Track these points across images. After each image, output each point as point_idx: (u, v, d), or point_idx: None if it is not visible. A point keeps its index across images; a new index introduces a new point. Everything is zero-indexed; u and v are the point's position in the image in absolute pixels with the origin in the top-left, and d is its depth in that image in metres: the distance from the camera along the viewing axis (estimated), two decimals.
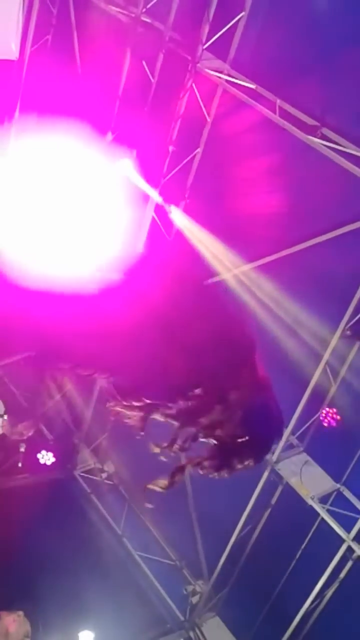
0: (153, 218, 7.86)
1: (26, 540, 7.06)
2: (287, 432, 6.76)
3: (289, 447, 6.96)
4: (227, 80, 6.86)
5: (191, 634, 7.87)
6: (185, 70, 7.13)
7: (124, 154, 7.70)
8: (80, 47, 8.46)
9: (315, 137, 6.16)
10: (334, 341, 6.31)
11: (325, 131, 6.21)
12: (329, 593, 6.74)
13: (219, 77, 6.91)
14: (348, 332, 6.28)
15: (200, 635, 7.81)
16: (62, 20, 8.62)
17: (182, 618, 8.05)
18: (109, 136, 7.91)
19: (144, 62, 7.51)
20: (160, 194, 7.64)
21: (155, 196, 7.66)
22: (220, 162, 7.42)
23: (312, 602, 6.75)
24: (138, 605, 7.84)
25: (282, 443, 6.78)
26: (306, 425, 6.87)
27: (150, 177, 7.67)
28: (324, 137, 6.18)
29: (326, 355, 6.39)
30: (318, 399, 6.73)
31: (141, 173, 7.67)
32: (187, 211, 7.78)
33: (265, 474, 6.94)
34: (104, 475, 9.41)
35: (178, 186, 7.69)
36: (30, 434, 7.13)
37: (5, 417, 6.85)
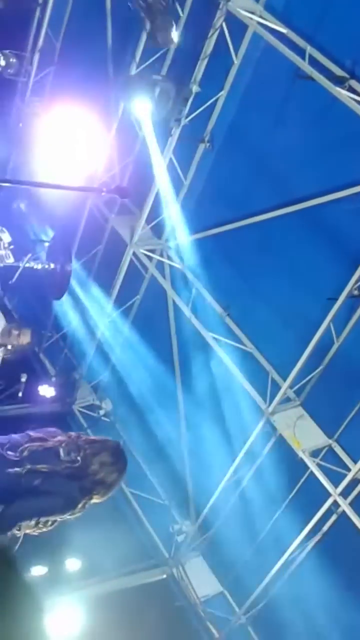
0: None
1: None
2: (285, 385, 6.82)
3: (286, 400, 7.01)
4: (258, 22, 6.66)
5: (174, 570, 8.11)
6: (216, 9, 6.93)
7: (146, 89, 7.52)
8: None
9: (343, 89, 6.01)
10: (341, 299, 6.28)
11: (354, 84, 6.07)
12: (311, 545, 6.90)
13: (251, 18, 6.70)
14: (356, 292, 6.26)
15: (183, 573, 8.05)
16: None
17: (166, 555, 8.29)
18: (133, 70, 7.74)
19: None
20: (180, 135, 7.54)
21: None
22: (245, 106, 7.28)
23: (293, 551, 6.92)
24: (125, 539, 8.05)
25: (279, 395, 6.85)
26: (305, 380, 6.91)
27: (169, 117, 7.53)
28: (351, 90, 6.04)
29: (332, 313, 6.37)
30: (320, 355, 6.75)
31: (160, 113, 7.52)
32: (206, 153, 7.70)
33: (260, 424, 7.02)
34: (102, 412, 9.58)
35: (199, 127, 7.57)
36: (28, 342, 7.14)
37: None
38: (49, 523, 4.06)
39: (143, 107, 7.19)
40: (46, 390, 8.03)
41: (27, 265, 6.88)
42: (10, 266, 7.00)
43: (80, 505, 4.06)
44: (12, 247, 6.98)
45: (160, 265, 8.44)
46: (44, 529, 4.05)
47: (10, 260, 6.93)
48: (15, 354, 7.47)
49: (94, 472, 3.99)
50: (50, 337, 10.07)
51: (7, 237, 7.08)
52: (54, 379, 9.08)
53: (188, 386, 8.40)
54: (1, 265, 6.54)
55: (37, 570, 6.99)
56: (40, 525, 4.02)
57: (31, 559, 6.90)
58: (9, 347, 7.13)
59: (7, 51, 8.58)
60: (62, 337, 10.03)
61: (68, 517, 4.07)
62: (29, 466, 3.90)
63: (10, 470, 3.87)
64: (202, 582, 8.12)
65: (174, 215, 8.14)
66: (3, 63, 8.42)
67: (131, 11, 7.67)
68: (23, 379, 7.00)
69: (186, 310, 7.88)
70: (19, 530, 4.00)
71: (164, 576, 8.12)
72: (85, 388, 9.70)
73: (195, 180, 7.99)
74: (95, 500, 4.17)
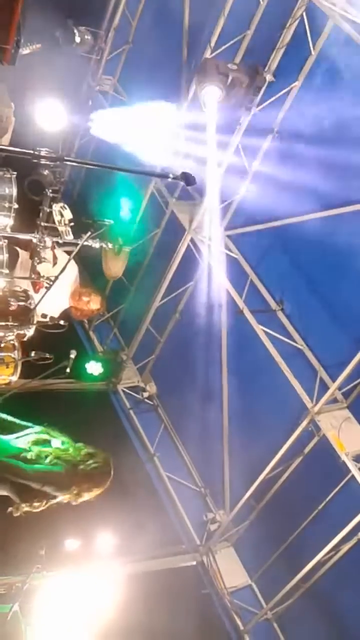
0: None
1: None
2: (334, 386, 6.73)
3: (333, 401, 6.92)
4: (340, 14, 6.50)
5: (204, 558, 8.14)
6: None
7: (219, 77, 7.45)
8: None
9: None
10: None
11: None
12: (345, 548, 6.82)
13: (332, 10, 6.55)
14: None
15: (213, 562, 8.07)
16: None
17: (198, 542, 8.32)
18: (208, 54, 7.66)
19: None
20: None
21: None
22: (316, 100, 7.14)
23: (326, 553, 6.85)
24: (159, 522, 8.11)
25: (327, 395, 6.76)
26: (354, 382, 6.81)
27: (241, 105, 7.45)
28: None
29: None
30: None
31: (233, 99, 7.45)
32: (273, 143, 7.60)
33: (304, 423, 6.95)
34: (145, 394, 9.64)
35: (269, 118, 7.47)
36: (98, 309, 7.21)
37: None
38: (44, 502, 4.31)
39: (213, 93, 7.12)
40: (93, 368, 8.10)
41: (85, 243, 6.88)
42: (69, 243, 7.01)
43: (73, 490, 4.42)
44: (72, 224, 6.99)
45: (215, 254, 8.39)
46: (38, 509, 4.31)
47: (70, 237, 6.94)
48: (63, 328, 7.52)
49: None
50: (102, 316, 10.15)
51: (68, 214, 7.08)
52: (101, 357, 9.16)
53: (233, 377, 8.37)
54: (61, 241, 6.56)
55: (71, 544, 7.09)
56: (35, 504, 4.29)
57: (65, 532, 7.03)
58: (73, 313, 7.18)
59: (83, 28, 8.59)
60: (113, 316, 10.11)
61: (60, 498, 4.33)
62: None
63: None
64: (231, 573, 8.13)
65: (235, 204, 8.08)
66: (78, 40, 8.43)
67: None
68: (72, 355, 7.01)
69: (239, 301, 7.83)
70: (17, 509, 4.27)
71: (194, 563, 8.16)
72: (131, 369, 9.77)
73: (260, 170, 7.90)
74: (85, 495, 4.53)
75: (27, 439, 4.60)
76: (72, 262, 6.75)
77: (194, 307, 8.92)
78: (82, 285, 7.05)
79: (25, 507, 4.46)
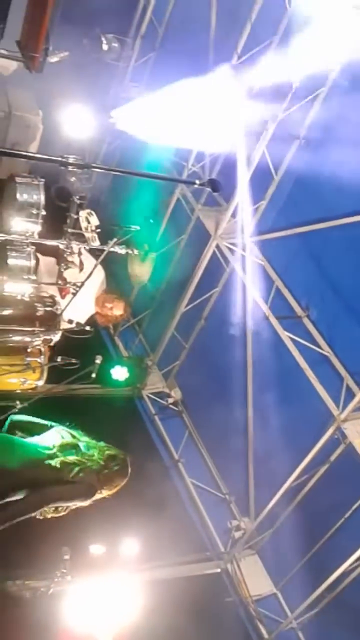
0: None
1: None
2: None
3: None
4: None
5: (229, 566, 8.10)
6: None
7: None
8: None
9: None
10: None
11: None
12: None
13: None
14: None
15: (237, 569, 8.02)
16: None
17: (222, 549, 8.27)
18: (234, 61, 7.69)
19: None
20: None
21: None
22: (345, 105, 7.10)
23: (353, 563, 6.77)
24: (182, 528, 8.09)
25: (353, 403, 6.69)
26: None
27: (267, 110, 7.46)
28: None
29: None
30: None
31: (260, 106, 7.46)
32: (298, 153, 7.57)
33: (330, 430, 6.88)
34: (170, 400, 9.64)
35: (295, 124, 7.46)
36: (121, 314, 7.27)
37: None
38: (66, 508, 4.38)
39: (239, 99, 7.14)
40: (119, 373, 8.12)
41: (111, 249, 6.92)
42: (95, 249, 7.06)
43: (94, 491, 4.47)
44: (99, 230, 7.04)
45: (242, 260, 8.38)
46: (61, 514, 4.37)
47: (96, 243, 6.99)
48: (89, 334, 7.57)
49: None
50: (127, 322, 10.19)
51: (94, 221, 7.13)
52: (127, 363, 9.18)
53: (258, 383, 8.33)
54: (87, 247, 6.61)
55: (95, 549, 7.10)
56: (59, 510, 4.35)
57: (90, 537, 7.04)
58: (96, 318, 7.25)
59: (110, 35, 8.66)
60: (138, 322, 10.14)
61: (81, 504, 4.40)
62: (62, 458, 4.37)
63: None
64: (256, 581, 8.08)
65: (260, 210, 8.06)
66: (105, 47, 8.50)
67: (237, 1, 7.62)
68: (97, 360, 7.05)
69: (264, 307, 7.81)
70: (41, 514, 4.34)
71: (218, 570, 8.12)
72: (156, 375, 9.79)
73: (286, 176, 7.88)
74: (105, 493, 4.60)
75: (53, 440, 4.62)
76: (99, 267, 6.79)
77: (219, 313, 8.91)
78: (107, 291, 7.09)
79: (49, 514, 4.51)
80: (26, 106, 8.09)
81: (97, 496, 4.58)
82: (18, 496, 4.36)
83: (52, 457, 4.49)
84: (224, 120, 7.56)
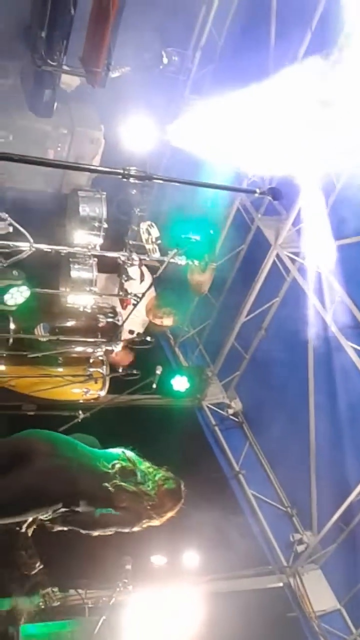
0: None
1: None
2: None
3: None
4: None
5: (291, 580, 7.97)
6: None
7: None
8: None
9: None
10: None
11: None
12: None
13: None
14: None
15: (300, 584, 7.88)
16: None
17: (284, 563, 8.15)
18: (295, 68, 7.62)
19: None
20: None
21: None
22: None
23: None
24: (244, 541, 8.01)
25: None
26: None
27: None
28: None
29: None
30: None
31: None
32: None
33: None
34: (231, 411, 9.59)
35: None
36: (170, 325, 7.37)
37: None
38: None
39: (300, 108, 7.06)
40: (179, 384, 8.14)
41: (172, 260, 6.97)
42: (156, 261, 7.13)
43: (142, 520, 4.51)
44: (159, 242, 7.11)
45: (302, 269, 8.29)
46: (107, 533, 4.52)
47: (157, 254, 7.06)
48: (150, 344, 7.65)
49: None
50: (187, 332, 10.22)
51: (155, 232, 7.21)
52: (187, 373, 9.21)
53: (320, 394, 8.20)
54: (148, 259, 6.68)
55: (156, 560, 7.12)
56: (105, 532, 4.37)
57: (151, 547, 7.06)
58: (148, 337, 7.32)
59: (170, 49, 8.74)
60: (198, 333, 10.15)
61: (128, 530, 4.43)
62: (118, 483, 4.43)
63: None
64: (319, 596, 7.92)
65: (322, 219, 7.94)
66: (166, 61, 8.59)
67: (297, 10, 7.58)
68: (158, 371, 7.11)
69: (327, 317, 7.69)
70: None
71: (280, 584, 7.99)
72: (216, 386, 9.76)
73: (347, 185, 7.75)
74: (153, 523, 4.58)
75: (114, 459, 4.65)
76: (149, 277, 6.87)
77: (280, 323, 8.83)
78: (158, 303, 7.16)
79: (95, 533, 4.57)
80: (89, 121, 8.25)
81: (145, 524, 4.60)
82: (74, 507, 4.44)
83: (109, 478, 4.53)
84: (286, 130, 7.50)
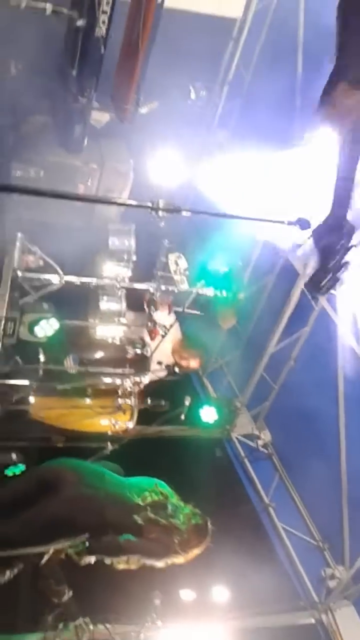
0: None
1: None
2: None
3: None
4: None
5: (323, 617, 7.78)
6: None
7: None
8: (307, 7, 8.27)
9: None
10: None
11: None
12: None
13: None
14: None
15: (332, 621, 7.69)
16: None
17: (316, 599, 7.97)
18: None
19: None
20: None
21: None
22: None
23: None
24: (274, 575, 7.86)
25: None
26: None
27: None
28: None
29: None
30: None
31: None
32: None
33: None
34: (260, 442, 9.51)
35: None
36: (196, 367, 7.35)
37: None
38: (138, 561, 4.41)
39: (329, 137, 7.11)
40: (208, 415, 8.11)
41: (200, 291, 7.02)
42: (184, 292, 7.18)
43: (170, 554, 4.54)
44: (187, 273, 7.17)
45: (331, 298, 8.24)
46: (132, 567, 4.40)
47: (185, 285, 7.11)
48: (178, 376, 7.67)
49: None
50: (215, 363, 10.20)
51: (183, 263, 7.28)
52: (214, 404, 9.19)
53: (352, 425, 8.09)
54: (176, 290, 6.73)
55: (185, 594, 7.03)
56: (129, 562, 4.39)
57: (180, 582, 6.98)
58: (175, 368, 7.34)
59: (198, 84, 8.89)
60: (227, 363, 10.12)
61: (154, 564, 4.42)
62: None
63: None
64: (352, 633, 7.71)
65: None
66: (193, 96, 8.74)
67: (324, 42, 7.65)
68: (187, 402, 7.12)
69: (357, 347, 7.61)
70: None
71: (312, 621, 7.81)
72: (245, 416, 9.69)
73: None
74: (178, 560, 4.61)
75: (143, 494, 4.64)
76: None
77: (309, 353, 8.76)
78: (184, 343, 7.19)
79: (120, 564, 4.55)
80: (118, 156, 8.40)
81: (170, 561, 4.57)
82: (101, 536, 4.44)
83: (139, 510, 4.51)
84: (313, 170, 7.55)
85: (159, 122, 7.84)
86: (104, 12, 6.17)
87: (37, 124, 7.61)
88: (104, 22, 6.20)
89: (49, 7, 6.08)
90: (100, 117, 7.39)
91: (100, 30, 6.23)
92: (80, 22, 6.19)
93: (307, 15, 8.29)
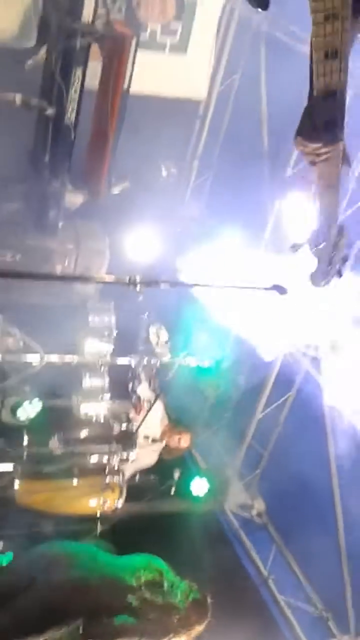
0: None
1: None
2: None
3: None
4: None
5: None
6: None
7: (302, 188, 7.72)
8: (268, 85, 8.65)
9: None
10: None
11: None
12: None
13: None
14: None
15: None
16: (251, 60, 8.90)
17: None
18: (289, 171, 7.98)
19: None
20: None
21: None
22: None
23: None
24: None
25: None
26: None
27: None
28: None
29: None
30: None
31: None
32: None
33: None
34: (254, 512, 9.33)
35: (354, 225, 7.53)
36: (188, 446, 7.30)
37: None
38: None
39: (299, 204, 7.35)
40: (198, 487, 7.98)
41: (182, 362, 7.04)
42: (166, 363, 7.20)
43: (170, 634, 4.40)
44: (169, 344, 7.21)
45: (315, 361, 8.28)
46: None
47: (167, 357, 7.14)
48: (170, 454, 7.61)
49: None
50: (203, 432, 10.10)
51: (164, 335, 7.33)
52: (205, 475, 9.05)
53: (347, 489, 7.98)
54: (158, 363, 6.75)
55: None
56: None
57: None
58: (163, 452, 7.32)
59: (168, 162, 9.18)
60: (215, 432, 10.03)
61: None
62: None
63: None
64: None
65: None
66: (164, 174, 9.01)
67: (285, 117, 7.99)
68: (176, 475, 7.03)
69: (344, 407, 7.61)
70: None
71: None
72: (237, 486, 9.53)
73: None
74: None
75: (137, 573, 4.50)
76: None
77: (297, 417, 8.72)
78: (173, 422, 7.17)
79: None
80: (94, 235, 8.56)
81: None
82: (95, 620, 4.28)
83: (134, 591, 4.37)
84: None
85: (133, 199, 8.05)
86: (73, 100, 6.40)
87: (12, 209, 7.78)
88: (72, 109, 6.44)
89: (18, 98, 6.30)
90: (74, 199, 7.58)
91: (70, 117, 6.46)
92: (50, 111, 6.42)
93: (269, 89, 8.66)
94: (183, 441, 7.21)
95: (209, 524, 8.97)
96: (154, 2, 6.66)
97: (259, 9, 1.08)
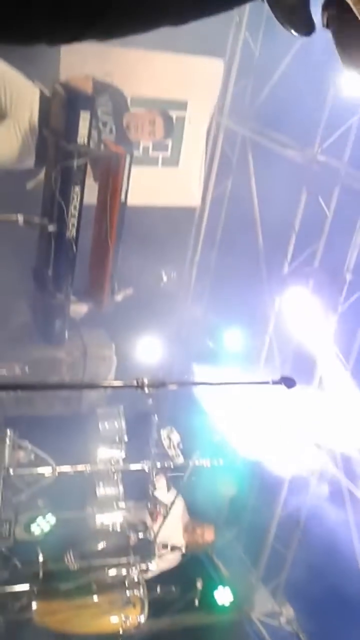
0: None
1: None
2: None
3: None
4: None
5: None
6: None
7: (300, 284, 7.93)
8: (258, 189, 9.02)
9: None
10: None
11: None
12: None
13: None
14: None
15: None
16: (241, 167, 9.35)
17: None
18: (286, 268, 8.18)
19: (319, 198, 7.82)
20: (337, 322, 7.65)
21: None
22: None
23: None
24: None
25: None
26: None
27: (326, 305, 7.74)
28: None
29: None
30: None
31: (317, 302, 7.78)
32: None
33: None
34: (283, 619, 8.86)
35: (354, 315, 7.65)
36: (212, 540, 7.03)
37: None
38: None
39: (299, 298, 7.52)
40: (222, 597, 7.63)
41: (196, 463, 6.94)
42: (179, 466, 7.09)
43: None
44: (181, 446, 7.13)
45: (333, 457, 8.14)
46: None
47: (180, 459, 7.04)
48: (188, 556, 7.34)
49: None
50: (222, 538, 9.76)
51: (176, 437, 7.27)
52: (229, 583, 8.67)
53: None
54: (172, 466, 6.65)
55: None
56: None
57: None
58: (187, 547, 7.08)
59: (168, 267, 9.45)
60: (236, 537, 9.70)
61: None
62: None
63: None
64: None
65: None
66: (165, 279, 9.24)
67: (278, 217, 8.31)
68: (199, 585, 6.75)
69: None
70: None
71: None
72: (263, 592, 9.11)
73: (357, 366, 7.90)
74: None
75: None
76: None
77: (319, 514, 8.46)
78: (194, 517, 7.02)
79: None
80: (99, 342, 8.70)
81: None
82: None
83: None
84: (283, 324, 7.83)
85: (136, 305, 8.21)
86: (73, 217, 6.67)
87: (18, 323, 7.93)
88: (73, 224, 6.69)
89: (20, 217, 6.57)
90: (78, 308, 7.74)
91: (71, 233, 6.70)
92: (51, 228, 6.67)
93: (259, 193, 9.02)
94: (206, 535, 6.97)
95: (237, 636, 8.50)
96: (143, 124, 7.07)
97: (304, 36, 1.05)
